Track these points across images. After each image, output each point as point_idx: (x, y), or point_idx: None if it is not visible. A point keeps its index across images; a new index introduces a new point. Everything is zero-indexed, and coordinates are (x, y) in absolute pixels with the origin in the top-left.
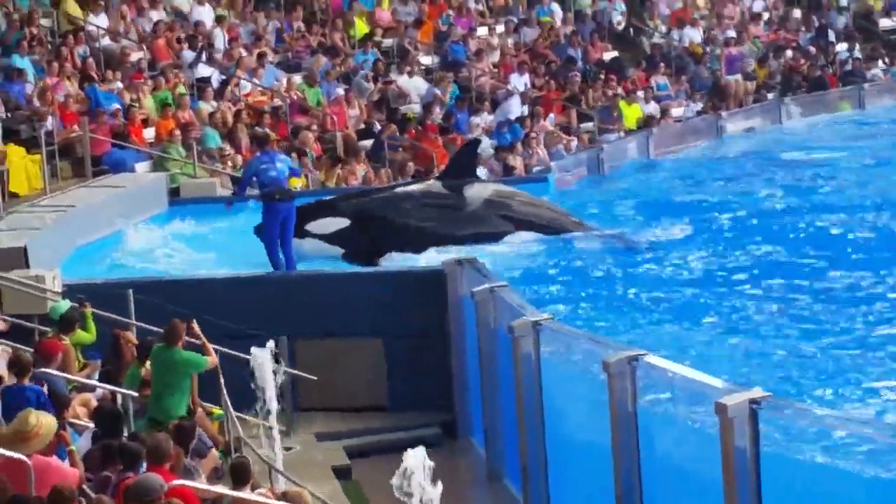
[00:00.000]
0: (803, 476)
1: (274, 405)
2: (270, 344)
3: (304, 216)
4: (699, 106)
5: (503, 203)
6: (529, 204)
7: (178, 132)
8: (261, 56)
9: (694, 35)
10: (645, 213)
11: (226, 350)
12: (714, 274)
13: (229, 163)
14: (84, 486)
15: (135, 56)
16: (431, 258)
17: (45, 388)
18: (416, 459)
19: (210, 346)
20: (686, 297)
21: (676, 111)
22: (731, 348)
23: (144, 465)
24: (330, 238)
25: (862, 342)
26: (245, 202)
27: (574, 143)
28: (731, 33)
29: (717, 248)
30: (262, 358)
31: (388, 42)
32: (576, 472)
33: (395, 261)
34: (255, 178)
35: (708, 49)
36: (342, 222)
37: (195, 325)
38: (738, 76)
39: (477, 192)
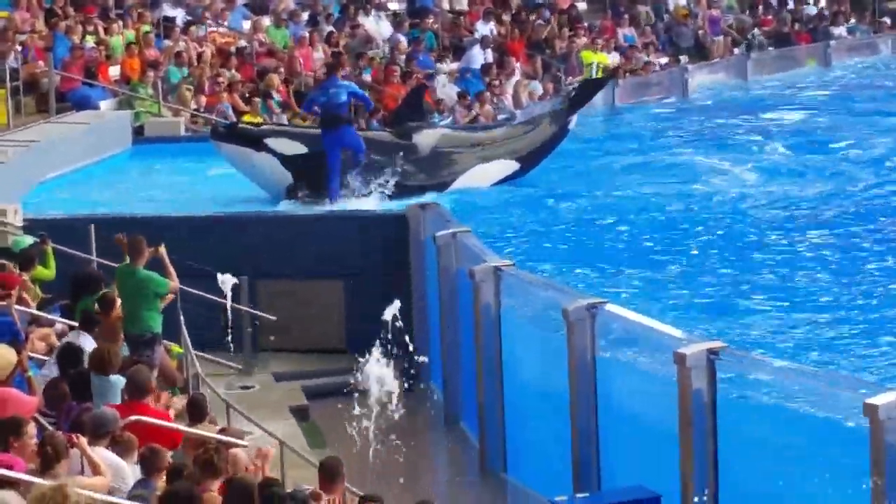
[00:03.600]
0: (757, 423)
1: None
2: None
3: (267, 132)
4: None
5: (453, 146)
6: (484, 137)
7: (150, 72)
8: None
9: None
10: (610, 162)
11: (187, 289)
12: (678, 225)
13: (192, 103)
14: (39, 417)
15: None
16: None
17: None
18: None
19: (173, 272)
20: (650, 247)
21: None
22: (692, 298)
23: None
24: (285, 159)
25: (820, 297)
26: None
27: (539, 91)
28: None
29: (683, 199)
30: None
31: None
32: (533, 417)
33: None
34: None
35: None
36: (301, 148)
37: (162, 249)
38: (721, 37)
39: (425, 137)
